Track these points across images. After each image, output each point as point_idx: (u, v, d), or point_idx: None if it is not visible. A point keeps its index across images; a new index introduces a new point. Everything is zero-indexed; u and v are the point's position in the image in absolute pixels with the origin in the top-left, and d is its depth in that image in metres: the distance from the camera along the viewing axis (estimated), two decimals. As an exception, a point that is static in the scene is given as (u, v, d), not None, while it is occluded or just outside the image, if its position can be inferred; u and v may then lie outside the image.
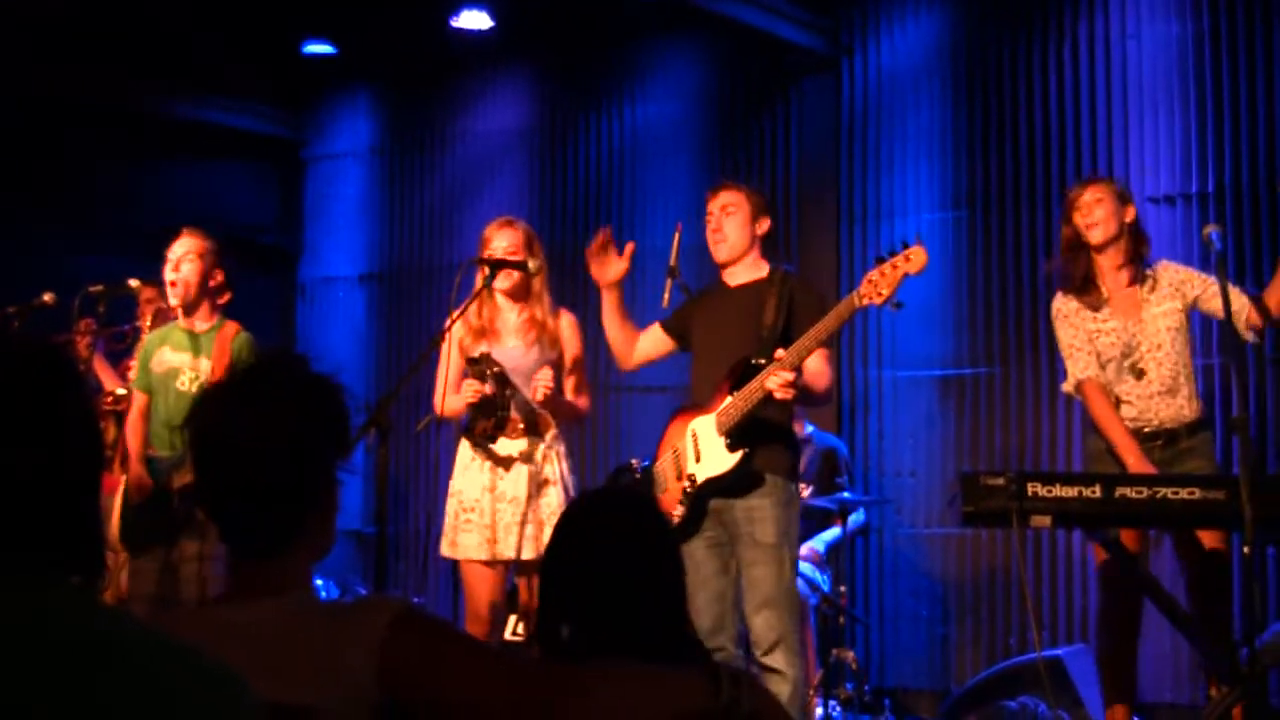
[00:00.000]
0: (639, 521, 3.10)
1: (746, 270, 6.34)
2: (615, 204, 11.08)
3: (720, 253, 6.34)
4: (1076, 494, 5.74)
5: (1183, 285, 6.38)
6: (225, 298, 7.69)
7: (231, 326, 7.18)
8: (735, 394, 6.00)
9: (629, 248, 6.42)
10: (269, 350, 6.55)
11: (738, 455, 6.01)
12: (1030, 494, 5.70)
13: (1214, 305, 6.24)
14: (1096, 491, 5.75)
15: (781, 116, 10.47)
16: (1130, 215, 6.48)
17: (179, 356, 7.11)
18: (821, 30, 10.13)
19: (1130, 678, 6.51)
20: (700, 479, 6.09)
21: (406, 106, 12.23)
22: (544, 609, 3.05)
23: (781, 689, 5.80)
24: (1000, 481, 5.75)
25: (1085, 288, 6.50)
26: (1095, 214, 6.46)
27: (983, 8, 9.72)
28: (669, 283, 6.59)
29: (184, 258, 7.11)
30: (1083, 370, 6.53)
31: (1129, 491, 5.75)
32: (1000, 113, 9.61)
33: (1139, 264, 6.47)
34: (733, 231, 6.31)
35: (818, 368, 6.05)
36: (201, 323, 7.16)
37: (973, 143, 9.70)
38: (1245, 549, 5.35)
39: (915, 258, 5.73)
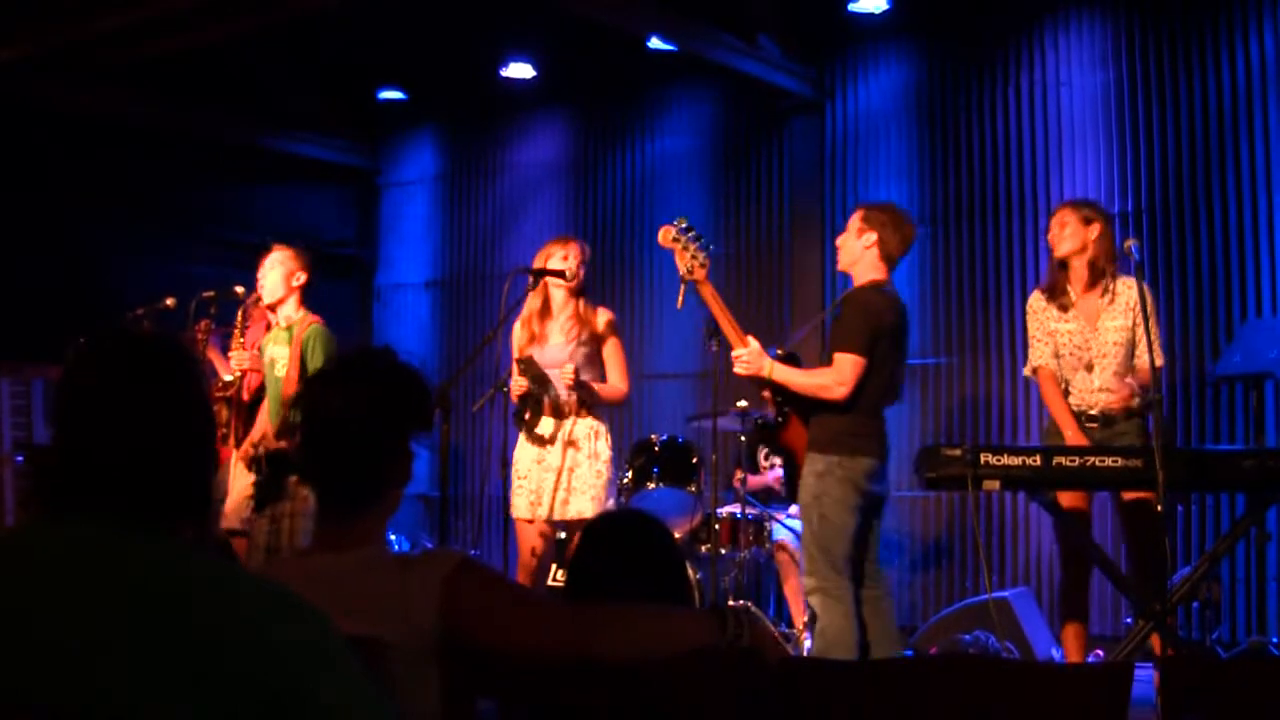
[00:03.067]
0: (645, 539, 3.12)
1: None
2: (637, 222, 11.07)
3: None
4: (1021, 462, 5.75)
5: (1134, 309, 6.26)
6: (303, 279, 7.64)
7: (309, 319, 7.18)
8: None
9: None
10: (362, 345, 6.61)
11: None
12: (983, 462, 5.71)
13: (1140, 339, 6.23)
14: (1038, 460, 5.75)
15: (775, 149, 10.47)
16: (1094, 233, 6.37)
17: (279, 349, 7.14)
18: (808, 78, 10.12)
19: (1082, 604, 6.48)
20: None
21: (464, 142, 12.22)
22: (573, 589, 3.10)
23: (815, 629, 5.86)
24: (957, 452, 5.75)
25: (1056, 292, 6.48)
26: (1059, 233, 6.45)
27: (942, 58, 9.71)
28: (682, 288, 6.59)
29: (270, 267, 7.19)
30: (1038, 359, 6.54)
31: (1064, 460, 5.75)
32: (958, 145, 9.60)
33: (1103, 276, 6.38)
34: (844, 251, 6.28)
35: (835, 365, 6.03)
36: (292, 318, 7.18)
37: (935, 170, 9.69)
38: (1159, 506, 5.36)
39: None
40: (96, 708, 1.63)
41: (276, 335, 7.21)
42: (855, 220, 6.21)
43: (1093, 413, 6.38)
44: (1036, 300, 6.61)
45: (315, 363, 6.89)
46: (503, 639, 2.55)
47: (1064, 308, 6.45)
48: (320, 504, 2.70)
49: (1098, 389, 6.35)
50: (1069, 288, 6.46)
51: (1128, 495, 6.26)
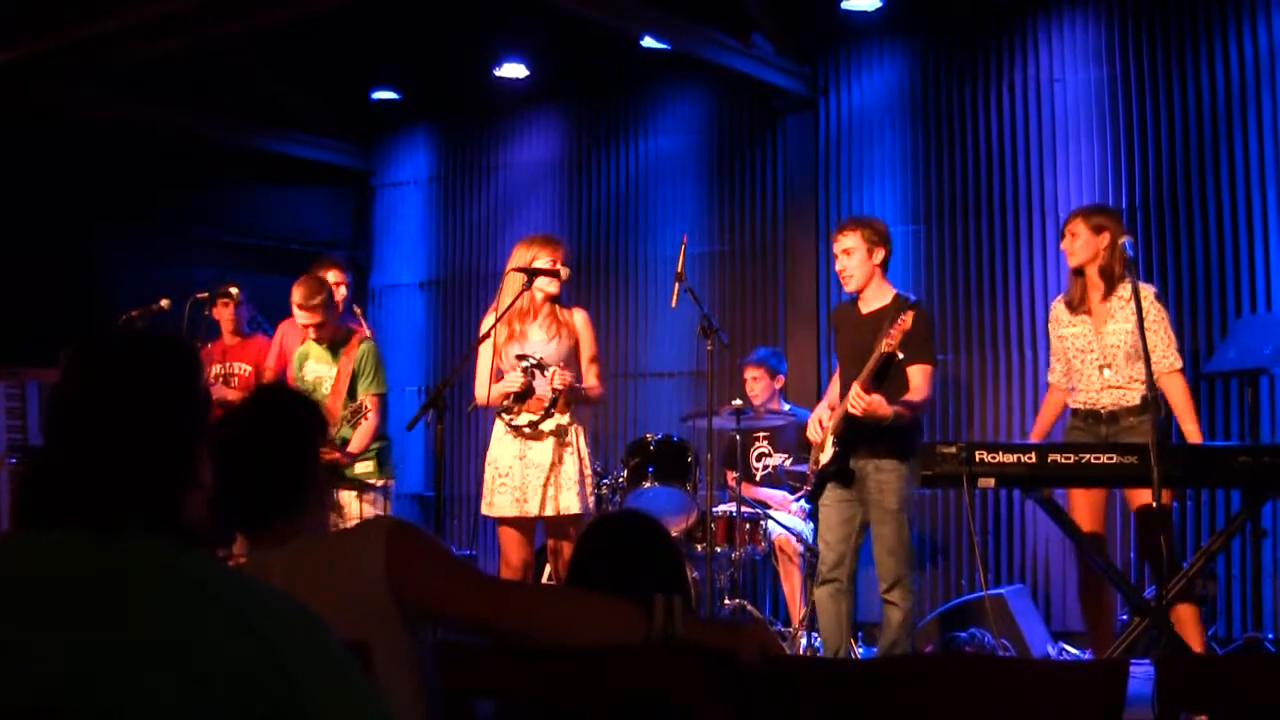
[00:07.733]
0: (644, 541, 3.17)
1: (874, 297, 6.58)
2: (632, 221, 11.07)
3: (848, 286, 6.61)
4: (1016, 459, 5.76)
5: (1144, 314, 6.29)
6: None
7: (360, 334, 7.56)
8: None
9: None
10: (262, 384, 6.82)
11: (833, 451, 6.48)
12: (977, 460, 5.72)
13: (1148, 342, 6.22)
14: (1032, 457, 5.76)
15: (769, 147, 10.47)
16: (1104, 242, 6.39)
17: (323, 367, 7.41)
18: (802, 76, 10.12)
19: (1106, 610, 6.56)
20: (821, 465, 6.58)
21: (458, 142, 12.22)
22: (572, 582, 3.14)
23: (894, 616, 6.30)
24: (953, 450, 5.77)
25: (1073, 300, 6.56)
26: (1070, 244, 6.50)
27: (935, 56, 9.72)
28: (676, 286, 6.60)
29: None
30: (1049, 374, 6.79)
31: (1059, 457, 5.76)
32: (950, 143, 9.60)
33: (1115, 281, 6.41)
34: (855, 269, 6.54)
35: (916, 382, 6.36)
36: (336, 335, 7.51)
37: (928, 168, 9.69)
38: (1153, 503, 5.35)
39: (907, 319, 6.09)
40: (93, 712, 1.63)
41: (316, 352, 7.32)
42: (857, 239, 6.49)
43: (1096, 410, 6.41)
44: (1054, 308, 6.73)
45: (367, 379, 7.10)
46: (427, 593, 2.60)
47: (1075, 311, 6.53)
48: (250, 521, 2.79)
49: (1099, 389, 6.39)
50: (1087, 294, 6.51)
51: (1137, 500, 6.29)
